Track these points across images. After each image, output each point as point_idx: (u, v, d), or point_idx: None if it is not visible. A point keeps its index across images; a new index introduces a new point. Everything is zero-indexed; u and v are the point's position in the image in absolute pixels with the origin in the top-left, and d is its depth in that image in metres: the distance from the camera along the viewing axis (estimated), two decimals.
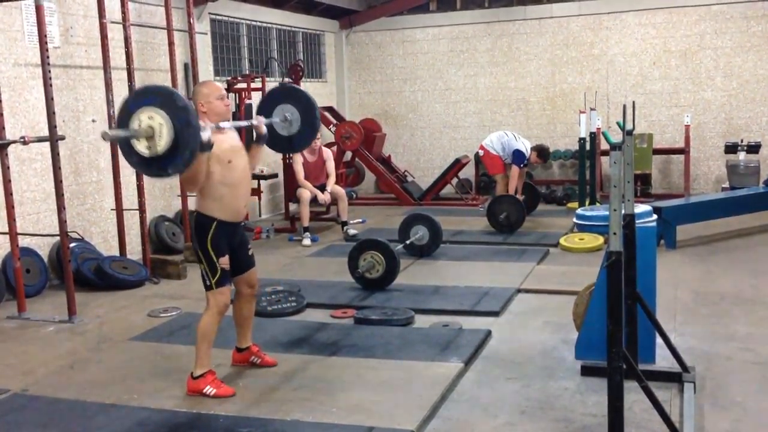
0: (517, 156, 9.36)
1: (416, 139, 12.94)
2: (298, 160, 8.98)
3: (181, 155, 3.54)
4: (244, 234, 4.46)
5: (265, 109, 4.70)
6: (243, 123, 4.47)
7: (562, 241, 8.03)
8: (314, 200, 8.80)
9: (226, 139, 4.19)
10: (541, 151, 9.64)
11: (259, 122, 4.44)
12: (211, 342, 4.22)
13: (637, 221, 4.08)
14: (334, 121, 11.56)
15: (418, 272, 7.03)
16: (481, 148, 9.78)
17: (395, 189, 11.53)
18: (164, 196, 8.60)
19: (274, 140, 4.71)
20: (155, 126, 3.49)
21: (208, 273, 4.17)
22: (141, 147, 3.53)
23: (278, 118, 4.66)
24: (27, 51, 6.72)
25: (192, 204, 4.95)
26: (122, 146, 3.64)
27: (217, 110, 4.16)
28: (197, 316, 4.39)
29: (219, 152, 4.07)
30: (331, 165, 9.17)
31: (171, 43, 7.74)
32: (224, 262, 4.17)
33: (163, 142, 3.49)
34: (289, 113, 4.68)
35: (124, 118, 3.58)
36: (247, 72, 10.26)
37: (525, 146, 9.45)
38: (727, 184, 10.50)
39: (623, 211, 3.40)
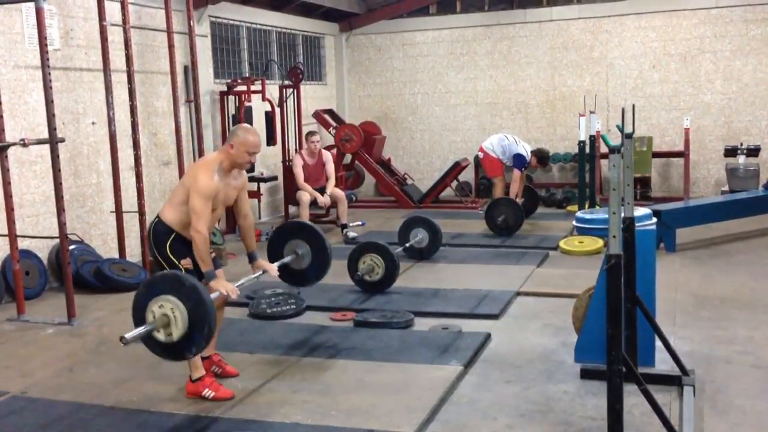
0: (518, 160, 9.36)
1: (416, 142, 12.94)
2: (297, 163, 9.00)
3: (200, 333, 3.58)
4: None
5: (277, 244, 4.87)
6: (256, 274, 4.52)
7: (561, 244, 8.03)
8: (314, 203, 8.81)
9: (230, 185, 4.24)
10: (542, 157, 9.62)
11: (271, 269, 4.55)
12: None
13: (636, 224, 4.08)
14: (334, 124, 11.56)
15: (417, 275, 7.03)
16: (481, 150, 9.77)
17: (395, 192, 11.53)
18: (164, 198, 8.58)
19: (287, 275, 4.89)
20: (168, 312, 3.54)
21: None
22: (161, 336, 3.58)
23: (289, 255, 4.83)
24: (27, 53, 6.72)
25: None
26: (145, 341, 3.65)
27: (240, 160, 4.17)
28: None
29: (217, 197, 4.12)
30: (330, 168, 9.17)
31: (171, 46, 7.75)
32: (186, 263, 4.17)
33: (180, 325, 3.54)
34: (300, 249, 4.86)
35: (138, 314, 3.64)
36: (247, 75, 10.26)
37: (526, 150, 9.44)
38: (726, 188, 10.50)
39: (623, 215, 3.41)
